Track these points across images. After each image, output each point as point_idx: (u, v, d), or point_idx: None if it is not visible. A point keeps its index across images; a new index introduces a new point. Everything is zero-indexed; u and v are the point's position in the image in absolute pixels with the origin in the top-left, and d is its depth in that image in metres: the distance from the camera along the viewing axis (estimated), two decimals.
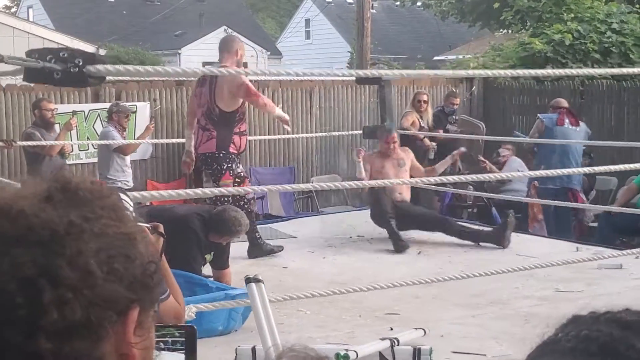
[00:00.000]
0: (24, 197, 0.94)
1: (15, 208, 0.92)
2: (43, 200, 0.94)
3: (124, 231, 0.96)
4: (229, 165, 7.03)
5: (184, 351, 2.00)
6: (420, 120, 10.25)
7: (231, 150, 7.03)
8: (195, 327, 2.08)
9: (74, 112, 8.86)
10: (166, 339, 2.00)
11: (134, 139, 9.05)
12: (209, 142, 7.00)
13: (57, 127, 8.50)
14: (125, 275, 0.93)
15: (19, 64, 2.87)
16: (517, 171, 9.87)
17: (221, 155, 6.98)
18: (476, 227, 8.15)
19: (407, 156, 8.33)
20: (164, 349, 1.98)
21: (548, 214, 8.75)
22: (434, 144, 10.19)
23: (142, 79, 8.79)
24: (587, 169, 7.68)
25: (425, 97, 10.40)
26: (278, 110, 7.34)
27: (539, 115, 9.15)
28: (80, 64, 3.02)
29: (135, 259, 0.95)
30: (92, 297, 0.90)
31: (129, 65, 3.05)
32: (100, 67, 3.07)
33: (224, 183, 6.87)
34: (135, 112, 9.03)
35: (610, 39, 12.24)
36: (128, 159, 8.57)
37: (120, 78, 8.51)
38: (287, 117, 7.52)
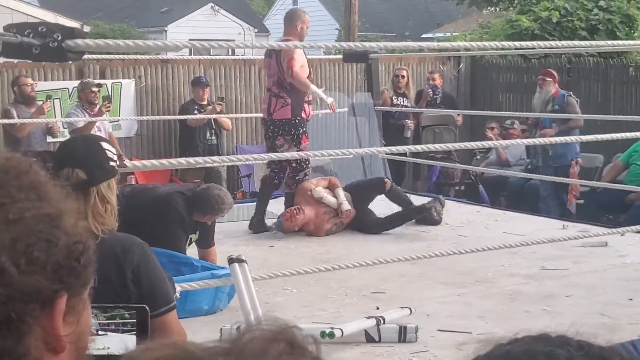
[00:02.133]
0: None
1: None
2: None
3: (46, 212, 0.89)
4: (304, 129, 7.38)
5: (134, 332, 1.92)
6: (395, 97, 10.17)
7: (303, 116, 7.34)
8: (147, 307, 1.99)
9: (47, 97, 8.73)
10: (115, 320, 1.93)
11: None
12: (283, 109, 7.26)
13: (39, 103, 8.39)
14: (48, 262, 0.88)
15: None
16: (518, 156, 9.92)
17: (297, 121, 7.28)
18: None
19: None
20: (113, 330, 1.92)
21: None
22: (410, 122, 10.14)
23: (127, 56, 8.69)
24: (574, 138, 7.67)
25: (403, 73, 10.33)
26: (313, 87, 7.42)
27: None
28: (59, 38, 2.96)
29: (58, 241, 0.89)
30: (9, 294, 0.85)
31: (108, 40, 2.99)
32: (79, 41, 3.01)
33: (305, 146, 7.29)
34: (100, 87, 8.81)
35: (597, 17, 12.22)
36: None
37: (105, 56, 8.42)
38: (324, 96, 7.57)
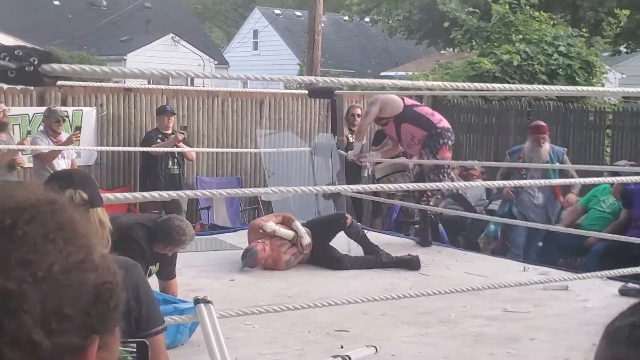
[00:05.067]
0: None
1: None
2: None
3: (74, 258, 0.85)
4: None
5: None
6: (349, 136, 10.15)
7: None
8: (146, 341, 1.99)
9: (28, 132, 8.64)
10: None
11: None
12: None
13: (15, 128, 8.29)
14: (77, 314, 0.84)
15: None
16: (478, 197, 9.96)
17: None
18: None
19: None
20: None
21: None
22: (367, 163, 10.11)
23: (89, 83, 8.58)
24: (540, 182, 7.71)
25: (358, 111, 10.29)
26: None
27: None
28: (36, 62, 2.89)
29: (87, 283, 0.86)
30: (41, 356, 0.82)
31: (84, 65, 2.92)
32: (55, 66, 2.95)
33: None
34: (65, 117, 8.75)
35: (557, 61, 12.43)
36: (59, 165, 8.29)
37: (67, 83, 8.30)
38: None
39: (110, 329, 0.91)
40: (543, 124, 8.78)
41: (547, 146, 8.46)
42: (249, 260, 7.18)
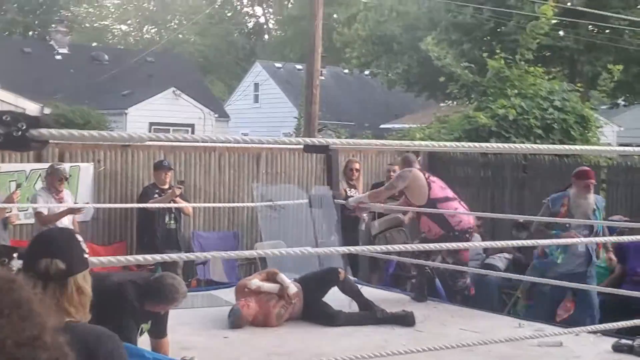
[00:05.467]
0: None
1: None
2: None
3: (28, 334, 0.90)
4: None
5: None
6: (348, 190, 10.23)
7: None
8: None
9: (19, 185, 8.69)
10: None
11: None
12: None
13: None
14: None
15: None
16: (475, 251, 9.94)
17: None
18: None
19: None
20: None
21: None
22: (365, 215, 10.17)
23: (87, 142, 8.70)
24: (532, 242, 7.72)
25: (357, 166, 10.40)
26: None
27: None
28: (24, 127, 2.93)
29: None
30: None
31: (73, 130, 2.97)
32: (44, 131, 2.99)
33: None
34: (69, 176, 8.84)
35: (552, 116, 12.54)
36: (61, 222, 8.39)
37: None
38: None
39: None
40: (589, 168, 8.21)
41: (593, 194, 7.91)
42: (234, 320, 7.17)
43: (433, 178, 8.56)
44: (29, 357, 0.87)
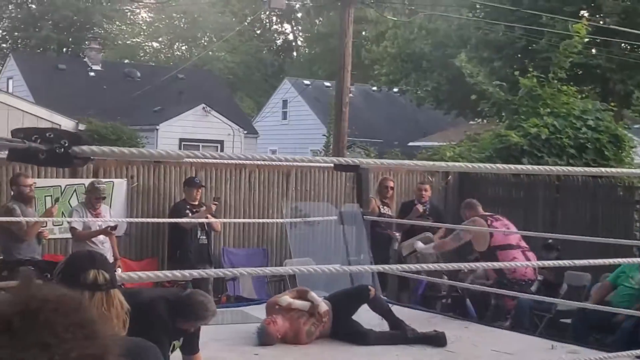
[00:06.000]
0: None
1: None
2: (1, 331, 0.89)
3: (90, 352, 0.91)
4: None
5: None
6: (381, 207, 10.24)
7: None
8: None
9: (56, 199, 8.81)
10: None
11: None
12: None
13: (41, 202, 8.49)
14: None
15: (4, 145, 2.82)
16: None
17: None
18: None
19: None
20: None
21: None
22: (397, 234, 10.17)
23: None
24: (564, 262, 7.66)
25: (391, 184, 10.42)
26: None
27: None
28: (66, 144, 2.97)
29: None
30: None
31: (114, 147, 3.03)
32: (85, 148, 3.02)
33: None
34: (105, 196, 8.95)
35: (585, 135, 12.44)
36: (98, 240, 8.54)
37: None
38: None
39: None
40: None
41: None
42: (260, 337, 7.16)
43: (497, 222, 8.56)
44: None
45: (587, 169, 9.69)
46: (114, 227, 8.68)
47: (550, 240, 9.84)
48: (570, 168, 9.04)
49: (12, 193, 8.34)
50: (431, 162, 8.14)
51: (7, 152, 2.95)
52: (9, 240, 8.00)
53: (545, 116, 12.83)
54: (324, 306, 7.38)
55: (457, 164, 8.50)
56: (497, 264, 7.63)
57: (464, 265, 7.32)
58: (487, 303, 9.11)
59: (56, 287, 0.97)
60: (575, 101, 13.39)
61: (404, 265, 7.80)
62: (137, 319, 5.20)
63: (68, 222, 8.52)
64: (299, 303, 7.38)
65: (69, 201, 9.18)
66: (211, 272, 5.95)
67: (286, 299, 7.42)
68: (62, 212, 9.19)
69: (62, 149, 2.98)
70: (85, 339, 0.91)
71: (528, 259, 8.36)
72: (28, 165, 8.87)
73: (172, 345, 5.55)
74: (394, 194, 10.52)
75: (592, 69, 22.75)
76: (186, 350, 5.67)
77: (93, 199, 8.60)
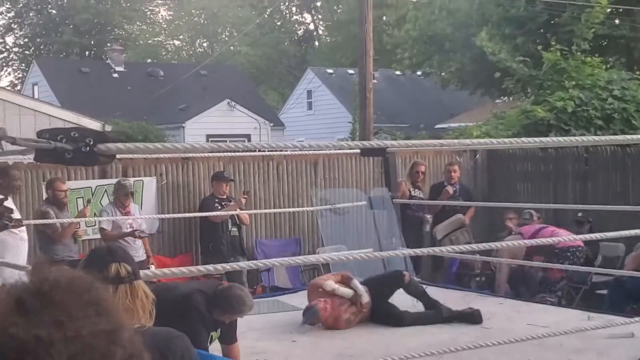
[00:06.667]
0: None
1: None
2: (13, 311, 0.92)
3: (103, 328, 0.94)
4: None
5: None
6: (412, 190, 10.26)
7: None
8: None
9: (88, 201, 8.94)
10: None
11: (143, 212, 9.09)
12: None
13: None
14: None
15: (31, 145, 2.88)
16: None
17: None
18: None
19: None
20: None
21: None
22: (428, 216, 10.18)
23: (149, 155, 8.89)
24: (595, 236, 7.63)
25: (423, 169, 10.44)
26: None
27: None
28: (91, 143, 3.03)
29: (114, 355, 0.94)
30: None
31: (138, 142, 3.08)
32: (110, 145, 3.08)
33: None
34: (135, 191, 9.10)
35: (612, 106, 12.34)
36: (130, 238, 8.69)
37: (127, 155, 8.59)
38: None
39: None
40: None
41: None
42: (310, 319, 7.22)
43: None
44: (104, 349, 0.92)
45: (614, 137, 9.64)
46: (143, 232, 8.81)
47: (580, 214, 9.81)
48: (597, 137, 9.00)
49: (45, 196, 8.48)
50: (457, 140, 8.11)
51: (34, 153, 3.02)
52: (45, 242, 8.19)
53: (571, 89, 12.74)
54: (366, 297, 7.40)
55: (483, 139, 8.49)
56: (528, 242, 7.62)
57: (495, 245, 7.37)
58: (523, 278, 9.11)
59: (68, 270, 1.01)
60: (600, 72, 13.28)
61: (435, 249, 7.80)
62: (175, 312, 5.31)
63: (99, 224, 8.66)
64: (343, 290, 7.41)
65: (100, 201, 9.30)
66: (243, 264, 6.02)
67: (331, 284, 7.44)
68: (94, 213, 9.32)
69: (88, 148, 3.04)
70: (98, 316, 0.94)
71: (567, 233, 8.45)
72: (58, 166, 9.02)
73: (210, 337, 5.63)
74: (425, 178, 10.55)
75: (615, 39, 22.47)
76: (224, 340, 5.75)
77: (122, 197, 8.72)
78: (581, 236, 7.45)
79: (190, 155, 10.04)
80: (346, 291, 7.41)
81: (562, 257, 8.19)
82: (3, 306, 0.93)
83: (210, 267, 4.75)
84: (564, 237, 8.12)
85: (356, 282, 7.50)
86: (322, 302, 7.27)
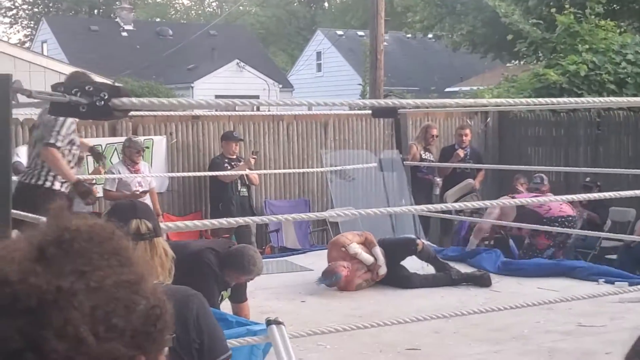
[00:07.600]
0: (12, 259, 0.89)
1: (0, 275, 0.88)
2: (34, 260, 0.90)
3: (126, 278, 0.92)
4: None
5: None
6: (423, 153, 10.22)
7: None
8: None
9: (103, 160, 8.89)
10: None
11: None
12: None
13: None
14: (126, 328, 0.90)
15: (46, 99, 2.85)
16: None
17: None
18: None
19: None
20: None
21: None
22: (438, 179, 10.15)
23: (159, 113, 8.84)
24: (607, 194, 7.61)
25: (435, 132, 10.39)
26: None
27: None
28: (106, 97, 3.00)
29: (137, 306, 0.92)
30: None
31: (153, 98, 3.03)
32: (125, 100, 3.06)
33: None
34: (146, 148, 9.07)
35: (625, 70, 12.22)
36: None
37: (137, 113, 8.54)
38: None
39: (158, 351, 0.95)
40: None
41: None
42: (331, 283, 7.22)
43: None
44: (127, 300, 0.90)
45: (628, 98, 9.55)
46: (145, 192, 8.76)
47: (587, 179, 9.77)
48: (610, 99, 8.91)
49: None
50: (472, 100, 8.03)
51: (48, 107, 2.99)
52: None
53: (584, 53, 12.61)
54: (384, 269, 7.39)
55: (499, 99, 8.40)
56: (527, 200, 7.59)
57: (502, 202, 7.33)
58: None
59: (88, 217, 0.98)
60: (613, 36, 13.12)
61: (443, 205, 7.79)
62: (187, 270, 5.28)
63: (102, 185, 8.62)
64: (364, 256, 7.39)
65: (110, 159, 9.28)
66: (252, 219, 6.01)
67: (354, 247, 7.40)
68: (105, 172, 9.30)
69: (102, 102, 3.01)
70: (121, 266, 0.92)
71: (561, 205, 8.36)
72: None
73: (221, 296, 5.65)
74: (437, 141, 10.52)
75: (629, 3, 22.21)
76: (235, 298, 5.77)
77: (134, 154, 8.68)
78: (570, 196, 7.36)
79: (201, 113, 10.00)
80: (367, 258, 7.39)
81: (550, 227, 8.13)
82: (23, 255, 0.90)
83: (216, 221, 4.74)
84: (549, 199, 8.11)
85: (378, 250, 7.47)
86: (345, 270, 7.25)
